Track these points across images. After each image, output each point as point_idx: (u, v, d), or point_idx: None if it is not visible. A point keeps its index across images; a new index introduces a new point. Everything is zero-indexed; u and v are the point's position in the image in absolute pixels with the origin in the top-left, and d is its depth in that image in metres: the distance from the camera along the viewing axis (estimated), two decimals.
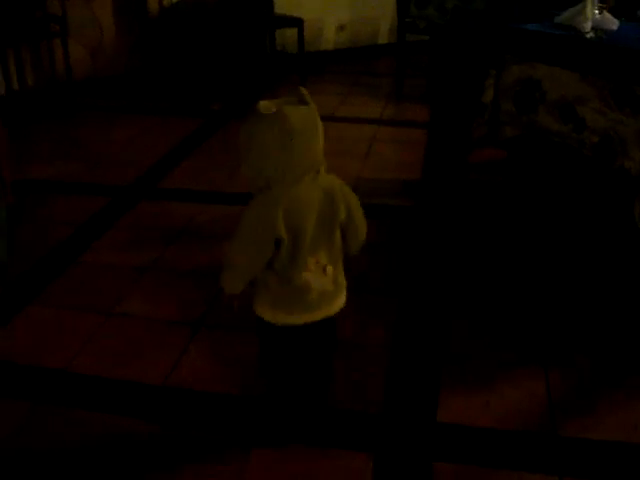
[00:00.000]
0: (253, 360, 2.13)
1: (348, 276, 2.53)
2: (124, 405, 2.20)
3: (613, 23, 2.96)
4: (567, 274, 2.90)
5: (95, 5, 5.59)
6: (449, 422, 2.13)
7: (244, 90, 5.71)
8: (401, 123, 5.02)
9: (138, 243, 3.16)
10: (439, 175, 3.70)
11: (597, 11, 2.83)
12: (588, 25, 2.91)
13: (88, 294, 2.77)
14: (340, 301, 1.99)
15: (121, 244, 3.15)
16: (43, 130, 4.82)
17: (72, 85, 5.36)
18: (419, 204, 3.61)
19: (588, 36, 2.81)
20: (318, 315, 1.94)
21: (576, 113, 2.74)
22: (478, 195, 3.53)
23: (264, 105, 1.74)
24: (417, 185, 3.86)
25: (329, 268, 1.91)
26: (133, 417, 2.13)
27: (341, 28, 6.84)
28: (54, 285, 2.85)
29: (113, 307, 2.67)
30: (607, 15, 2.89)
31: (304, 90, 1.78)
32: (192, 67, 5.53)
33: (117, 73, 5.75)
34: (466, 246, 3.16)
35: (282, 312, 1.92)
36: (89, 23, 5.59)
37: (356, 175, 3.96)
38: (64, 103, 5.32)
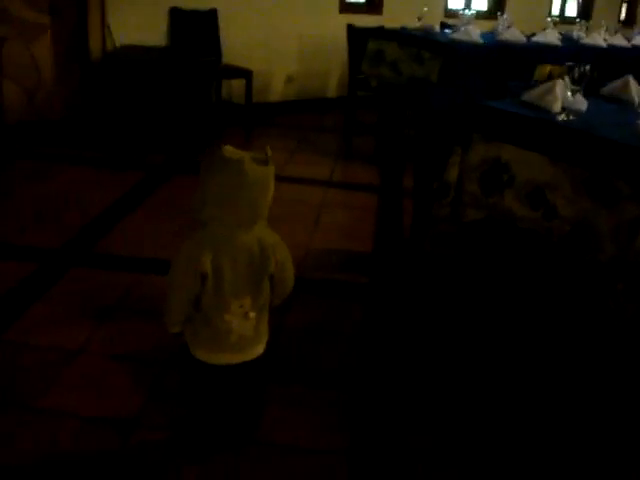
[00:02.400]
0: None
1: (299, 366, 2.60)
2: None
3: (582, 103, 2.83)
4: (535, 370, 2.72)
5: (34, 46, 5.30)
6: None
7: (188, 142, 5.48)
8: (351, 186, 4.86)
9: (68, 320, 2.85)
10: (392, 254, 3.53)
11: (570, 93, 2.69)
12: (558, 105, 2.78)
13: (8, 384, 2.44)
14: (259, 348, 2.11)
15: (49, 321, 2.83)
16: None
17: (5, 128, 5.03)
18: (373, 282, 3.41)
19: (560, 118, 2.67)
20: (236, 358, 2.06)
21: (546, 199, 2.59)
22: (435, 271, 3.35)
23: (230, 149, 1.88)
24: (368, 259, 3.67)
25: (252, 314, 2.02)
26: None
27: (289, 80, 6.69)
28: None
29: (37, 400, 2.35)
30: (578, 96, 2.76)
31: (269, 152, 1.91)
32: (134, 115, 5.27)
33: (55, 118, 5.45)
34: (424, 331, 2.98)
35: (203, 350, 2.04)
36: (27, 64, 5.30)
37: (305, 245, 3.75)
38: None
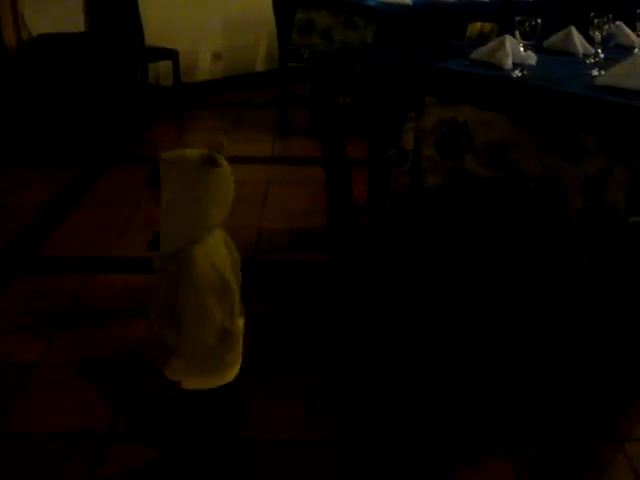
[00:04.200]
0: None
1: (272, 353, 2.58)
2: None
3: (532, 58, 2.77)
4: (508, 335, 2.68)
5: None
6: None
7: (119, 131, 5.25)
8: (293, 161, 4.74)
9: (20, 333, 2.67)
10: (349, 226, 3.44)
11: (522, 48, 2.62)
12: (509, 61, 2.71)
13: None
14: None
15: None
16: None
17: None
18: (334, 258, 3.31)
19: (514, 75, 2.60)
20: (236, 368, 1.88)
21: (509, 158, 2.53)
22: (398, 240, 3.26)
23: (169, 157, 1.65)
24: (325, 234, 3.58)
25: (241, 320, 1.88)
26: None
27: (217, 57, 6.48)
28: None
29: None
30: (528, 51, 2.70)
31: (225, 142, 1.73)
32: (58, 107, 5.02)
33: None
34: (393, 304, 2.90)
35: (214, 374, 1.82)
36: None
37: (256, 226, 3.63)
38: None
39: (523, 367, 2.51)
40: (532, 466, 2.09)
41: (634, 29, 3.26)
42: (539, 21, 2.55)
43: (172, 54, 5.48)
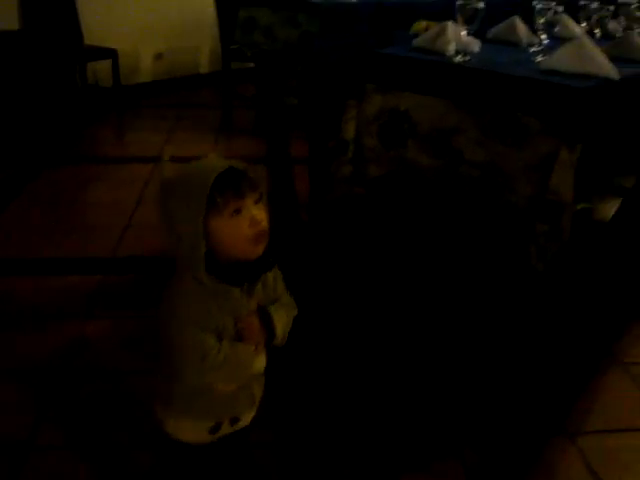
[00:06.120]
0: None
1: None
2: None
3: (476, 44, 2.71)
4: (454, 331, 2.58)
5: None
6: None
7: (54, 133, 5.06)
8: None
9: None
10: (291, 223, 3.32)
11: (464, 32, 2.54)
12: (452, 47, 2.63)
13: None
14: None
15: None
16: None
17: None
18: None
19: (456, 60, 2.52)
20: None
21: (451, 145, 2.44)
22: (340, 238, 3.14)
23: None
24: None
25: None
26: None
27: (158, 57, 6.32)
28: None
29: None
30: (470, 37, 2.62)
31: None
32: None
33: None
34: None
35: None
36: None
37: None
38: None
39: (468, 365, 2.41)
40: (482, 466, 1.99)
41: (578, 21, 3.22)
42: (482, 5, 2.48)
43: (111, 53, 5.32)
